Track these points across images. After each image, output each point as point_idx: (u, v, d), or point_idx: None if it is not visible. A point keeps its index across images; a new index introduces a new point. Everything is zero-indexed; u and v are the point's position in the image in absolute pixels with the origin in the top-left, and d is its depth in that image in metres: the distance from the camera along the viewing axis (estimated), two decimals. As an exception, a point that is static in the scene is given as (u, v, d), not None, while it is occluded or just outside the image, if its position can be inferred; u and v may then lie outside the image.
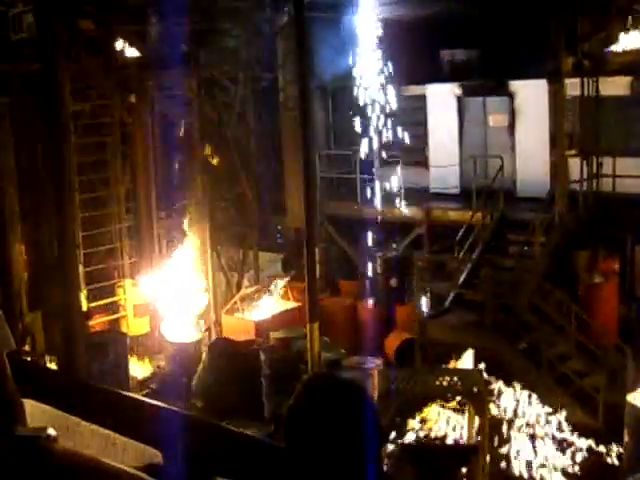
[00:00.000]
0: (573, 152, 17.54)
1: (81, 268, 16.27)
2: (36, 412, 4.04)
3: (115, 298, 18.31)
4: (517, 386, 14.44)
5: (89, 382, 4.43)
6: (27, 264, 16.46)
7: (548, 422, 14.03)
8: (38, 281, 16.24)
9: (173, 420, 3.68)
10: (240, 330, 18.07)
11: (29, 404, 4.00)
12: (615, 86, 17.68)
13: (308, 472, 2.24)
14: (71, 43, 15.87)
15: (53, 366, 14.13)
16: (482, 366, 14.65)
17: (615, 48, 16.93)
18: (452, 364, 15.26)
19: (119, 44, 17.42)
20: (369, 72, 19.36)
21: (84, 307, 16.00)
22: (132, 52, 17.63)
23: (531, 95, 18.95)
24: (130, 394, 4.95)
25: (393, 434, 12.78)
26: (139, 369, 17.62)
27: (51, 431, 1.56)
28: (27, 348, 15.45)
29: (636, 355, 14.32)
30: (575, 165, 17.28)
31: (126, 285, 18.28)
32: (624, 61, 17.07)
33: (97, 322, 17.74)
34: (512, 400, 14.12)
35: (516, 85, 19.18)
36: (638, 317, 16.25)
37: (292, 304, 18.75)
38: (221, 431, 3.76)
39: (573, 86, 17.39)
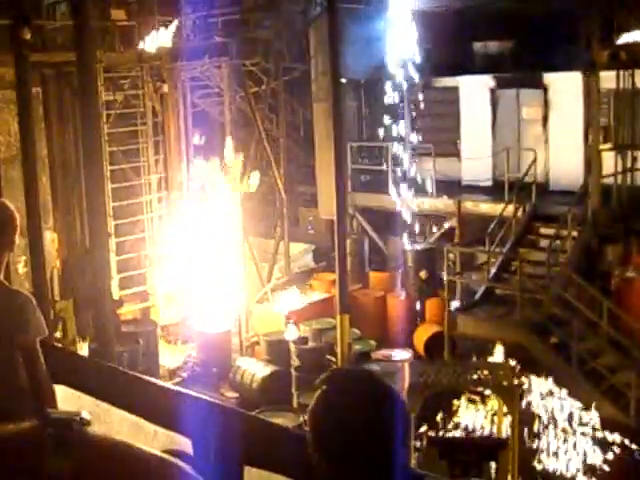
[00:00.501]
0: (607, 146, 17.33)
1: (113, 256, 16.39)
2: (70, 398, 4.07)
3: (146, 287, 18.41)
4: (547, 381, 14.34)
5: (120, 369, 4.44)
6: (60, 252, 16.59)
7: (579, 418, 13.92)
8: (70, 268, 16.37)
9: (203, 408, 3.68)
10: (270, 321, 18.09)
11: (62, 390, 4.03)
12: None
13: (335, 465, 2.21)
14: (105, 33, 15.96)
15: (84, 353, 14.23)
16: (512, 361, 14.56)
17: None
18: (482, 358, 15.17)
19: (152, 34, 17.49)
20: (402, 64, 19.28)
21: (115, 295, 16.10)
22: (165, 42, 17.69)
23: (565, 88, 18.75)
24: (160, 382, 4.95)
25: (422, 428, 12.75)
26: (170, 358, 17.70)
27: (85, 414, 1.55)
28: (59, 335, 15.57)
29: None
30: (609, 159, 17.08)
31: (157, 274, 18.37)
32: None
33: (128, 310, 17.85)
34: (542, 395, 14.01)
35: (550, 77, 18.99)
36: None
37: (322, 295, 18.75)
38: (251, 420, 3.76)
39: (608, 79, 17.17)
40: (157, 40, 17.48)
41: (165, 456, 1.55)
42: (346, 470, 2.18)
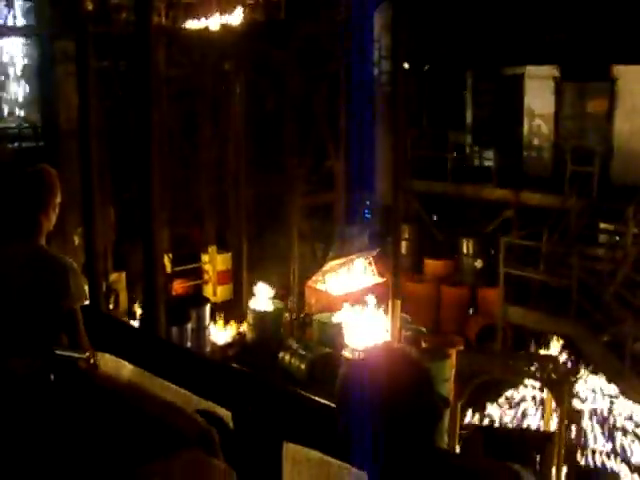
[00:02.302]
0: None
1: (166, 232, 16.51)
2: (114, 366, 4.09)
3: (199, 264, 18.52)
4: (599, 378, 14.14)
5: (164, 340, 4.45)
6: (115, 225, 16.76)
7: (629, 416, 13.72)
8: (124, 241, 16.52)
9: (245, 382, 3.67)
10: (322, 302, 18.07)
11: (106, 357, 4.04)
12: None
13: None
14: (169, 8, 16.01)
15: (135, 324, 14.38)
16: (564, 355, 14.40)
17: None
18: (534, 350, 15.02)
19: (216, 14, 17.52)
20: (465, 51, 19.07)
21: (168, 270, 16.22)
22: (228, 20, 17.72)
23: (634, 80, 18.33)
24: (204, 356, 4.95)
25: (469, 416, 12.66)
26: (221, 335, 17.79)
27: (88, 354, 1.55)
28: (111, 306, 15.76)
29: None
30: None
31: (211, 251, 18.46)
32: None
33: (180, 286, 17.97)
34: (592, 391, 13.83)
35: (619, 70, 18.58)
36: None
37: (376, 279, 18.67)
38: (293, 397, 3.73)
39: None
40: (221, 18, 17.50)
41: (176, 405, 1.53)
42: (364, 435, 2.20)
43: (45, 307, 3.53)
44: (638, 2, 16.58)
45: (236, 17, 17.69)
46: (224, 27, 17.62)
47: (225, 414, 3.48)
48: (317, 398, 3.53)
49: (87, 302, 3.83)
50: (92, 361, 1.51)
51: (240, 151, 18.83)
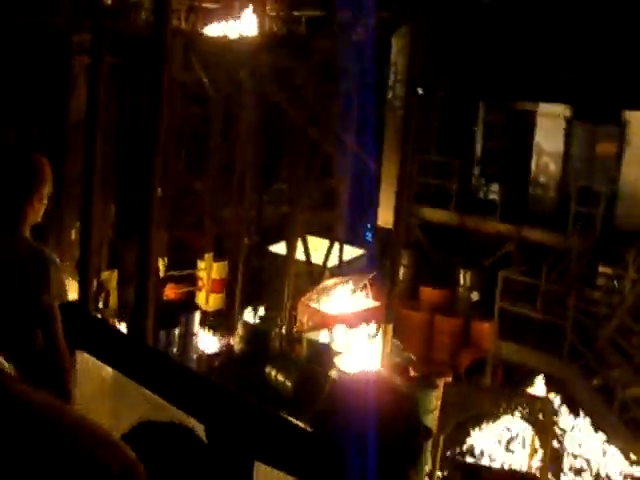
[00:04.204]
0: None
1: (165, 235, 16.42)
2: (92, 368, 3.99)
3: (194, 270, 18.41)
4: (585, 422, 14.03)
5: (146, 345, 4.35)
6: (114, 222, 16.67)
7: (612, 461, 13.59)
8: (121, 239, 16.42)
9: (221, 397, 3.58)
10: (314, 320, 17.95)
11: (86, 358, 3.94)
12: None
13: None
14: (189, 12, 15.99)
15: (122, 325, 14.27)
16: (553, 395, 14.28)
17: None
18: (523, 388, 14.90)
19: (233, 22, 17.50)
20: (479, 82, 19.02)
21: (161, 274, 16.12)
22: (247, 30, 17.69)
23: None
24: (185, 365, 4.85)
25: (449, 450, 12.52)
26: (209, 343, 17.67)
27: (5, 364, 1.40)
28: (100, 305, 15.64)
29: None
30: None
31: (207, 259, 18.36)
32: None
33: (173, 291, 17.86)
34: (578, 434, 13.71)
35: (630, 115, 18.51)
36: None
37: (371, 302, 18.55)
38: (269, 417, 3.63)
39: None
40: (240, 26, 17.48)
41: (102, 431, 1.34)
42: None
43: (23, 300, 3.42)
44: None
45: (253, 26, 17.65)
46: (242, 37, 17.60)
47: (200, 427, 3.39)
48: (295, 421, 3.42)
49: (68, 300, 3.72)
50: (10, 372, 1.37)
51: (247, 161, 18.76)
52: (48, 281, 3.45)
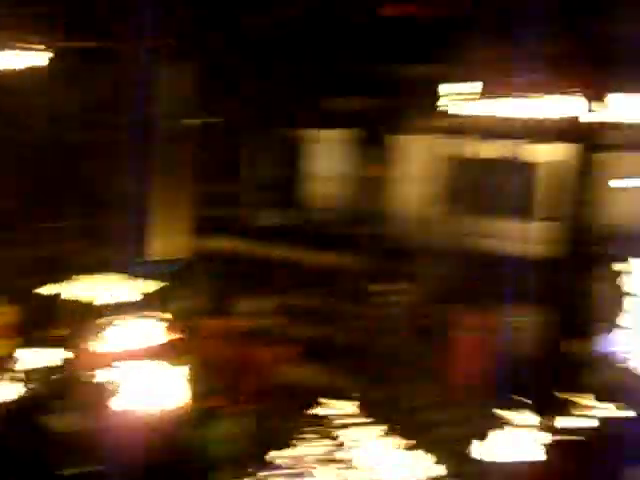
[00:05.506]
0: (443, 209, 18.02)
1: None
2: None
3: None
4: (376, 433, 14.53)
5: None
6: None
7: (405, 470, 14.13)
8: None
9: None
10: (96, 360, 17.38)
11: None
12: (491, 150, 18.22)
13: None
14: None
15: None
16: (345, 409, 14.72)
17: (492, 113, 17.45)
18: (314, 408, 15.20)
19: None
20: (251, 110, 19.38)
21: None
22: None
23: (411, 149, 19.19)
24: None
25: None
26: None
27: None
28: None
29: (494, 406, 14.64)
30: (451, 223, 17.81)
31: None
32: (499, 127, 17.66)
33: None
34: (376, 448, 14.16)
35: (391, 138, 19.36)
36: (497, 370, 16.68)
37: (161, 337, 18.16)
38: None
39: (447, 144, 17.91)
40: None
41: None
42: None
43: None
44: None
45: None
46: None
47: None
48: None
49: None
50: None
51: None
52: None
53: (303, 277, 18.60)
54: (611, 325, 15.97)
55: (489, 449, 13.45)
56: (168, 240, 17.40)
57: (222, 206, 20.07)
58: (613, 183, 17.20)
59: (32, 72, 16.58)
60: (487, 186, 18.59)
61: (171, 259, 17.47)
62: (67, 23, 18.16)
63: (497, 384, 15.92)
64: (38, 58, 16.05)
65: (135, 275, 19.99)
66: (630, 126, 16.47)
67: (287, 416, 13.63)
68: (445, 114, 17.40)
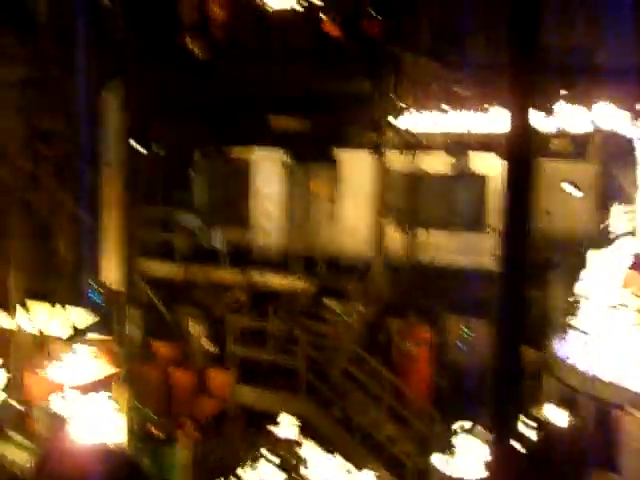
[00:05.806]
0: (391, 223, 18.00)
1: None
2: None
3: None
4: (333, 454, 14.48)
5: None
6: None
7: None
8: None
9: None
10: (46, 390, 17.05)
11: None
12: (437, 163, 18.23)
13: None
14: None
15: None
16: (297, 434, 14.62)
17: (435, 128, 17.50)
18: (267, 430, 15.08)
19: None
20: (195, 131, 19.25)
21: None
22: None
23: (355, 165, 19.12)
24: None
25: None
26: None
27: None
28: None
29: (445, 420, 14.61)
30: (399, 237, 17.79)
31: None
32: (444, 141, 17.73)
33: None
34: (329, 468, 14.10)
35: (341, 154, 19.27)
36: (448, 383, 16.68)
37: (108, 367, 17.91)
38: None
39: (399, 159, 17.93)
40: None
41: None
42: None
43: None
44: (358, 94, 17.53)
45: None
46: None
47: None
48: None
49: None
50: None
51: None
52: None
53: (251, 298, 18.45)
54: (566, 331, 15.95)
55: (443, 464, 13.41)
56: (115, 267, 17.14)
57: (166, 230, 19.88)
58: (561, 191, 17.25)
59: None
60: (437, 199, 18.59)
61: (115, 287, 17.24)
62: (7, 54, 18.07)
63: (449, 397, 15.93)
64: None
65: (81, 305, 19.78)
66: (575, 135, 16.58)
67: (234, 440, 13.43)
68: (388, 128, 17.48)
